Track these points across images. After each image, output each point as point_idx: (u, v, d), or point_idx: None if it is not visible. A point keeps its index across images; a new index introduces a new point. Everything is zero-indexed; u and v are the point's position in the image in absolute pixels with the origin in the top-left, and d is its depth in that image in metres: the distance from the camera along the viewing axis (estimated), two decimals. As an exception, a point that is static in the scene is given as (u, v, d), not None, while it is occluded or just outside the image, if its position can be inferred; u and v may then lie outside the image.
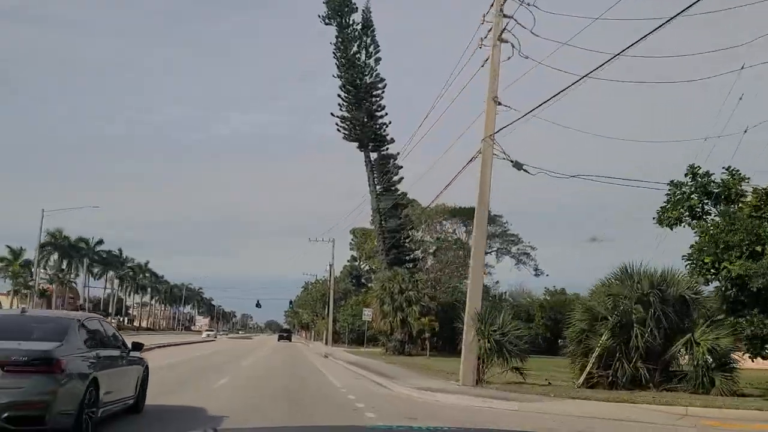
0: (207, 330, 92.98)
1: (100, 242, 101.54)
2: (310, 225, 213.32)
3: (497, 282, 54.10)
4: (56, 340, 7.64)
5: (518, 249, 54.42)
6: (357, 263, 78.13)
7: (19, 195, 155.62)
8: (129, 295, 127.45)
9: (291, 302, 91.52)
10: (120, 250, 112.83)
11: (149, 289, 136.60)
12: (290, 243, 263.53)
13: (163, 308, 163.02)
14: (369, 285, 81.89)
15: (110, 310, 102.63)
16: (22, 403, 6.79)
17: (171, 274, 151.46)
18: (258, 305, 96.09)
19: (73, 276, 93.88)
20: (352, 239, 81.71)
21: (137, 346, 10.40)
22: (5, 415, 6.66)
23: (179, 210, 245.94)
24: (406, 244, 44.86)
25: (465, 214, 51.90)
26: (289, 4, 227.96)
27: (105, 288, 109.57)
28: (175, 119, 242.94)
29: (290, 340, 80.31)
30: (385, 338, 41.12)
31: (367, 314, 38.78)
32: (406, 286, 40.12)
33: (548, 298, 64.45)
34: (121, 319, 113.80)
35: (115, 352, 9.41)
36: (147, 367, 10.95)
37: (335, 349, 50.25)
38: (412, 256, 45.35)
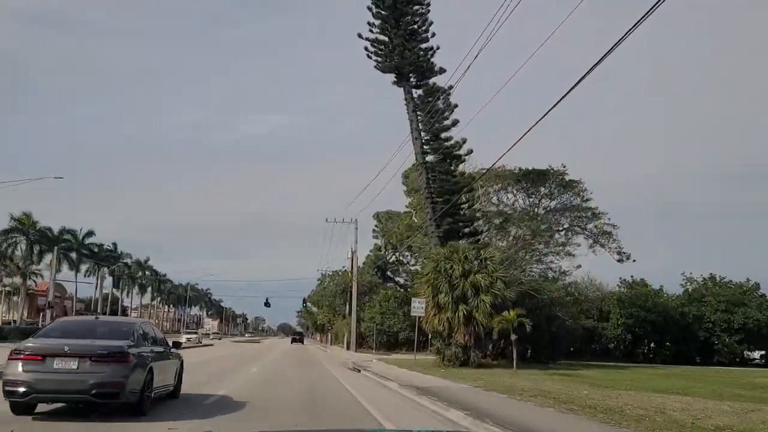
0: (188, 333, 74.16)
1: (90, 234, 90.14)
2: (324, 227, 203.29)
3: (579, 266, 41.48)
4: (125, 339, 9.98)
5: (596, 227, 41.70)
6: (383, 252, 65.78)
7: (21, 195, 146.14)
8: (127, 294, 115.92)
9: (304, 300, 79.72)
10: (114, 245, 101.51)
11: (150, 289, 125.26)
12: (304, 244, 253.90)
13: (167, 310, 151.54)
14: (396, 279, 69.56)
15: (98, 310, 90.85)
16: (104, 384, 9.16)
17: (182, 277, 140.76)
18: (267, 304, 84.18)
19: (55, 271, 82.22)
20: (375, 225, 69.55)
21: (177, 345, 13.77)
22: (93, 392, 9.13)
23: (186, 212, 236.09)
24: (464, 212, 32.43)
25: (533, 179, 39.43)
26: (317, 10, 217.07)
27: (97, 286, 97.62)
28: (180, 123, 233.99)
29: (303, 343, 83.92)
30: (441, 341, 28.73)
31: (419, 307, 26.37)
32: (471, 267, 27.79)
33: (624, 290, 51.63)
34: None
35: (162, 349, 11.57)
36: (182, 362, 12.96)
37: (364, 357, 37.90)
38: (472, 227, 32.86)
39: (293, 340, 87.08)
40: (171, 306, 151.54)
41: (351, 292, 52.11)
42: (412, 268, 69.77)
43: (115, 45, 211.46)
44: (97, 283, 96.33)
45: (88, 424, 9.26)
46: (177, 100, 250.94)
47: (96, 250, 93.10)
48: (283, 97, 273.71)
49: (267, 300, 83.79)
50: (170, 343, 12.69)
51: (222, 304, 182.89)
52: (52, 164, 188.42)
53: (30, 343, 9.64)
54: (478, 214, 33.70)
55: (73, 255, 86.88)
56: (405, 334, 51.22)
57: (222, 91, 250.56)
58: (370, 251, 68.83)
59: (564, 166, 37.92)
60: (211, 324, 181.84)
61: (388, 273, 67.89)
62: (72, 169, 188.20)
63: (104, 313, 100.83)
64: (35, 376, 9.03)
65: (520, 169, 38.36)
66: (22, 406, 9.48)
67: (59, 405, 10.15)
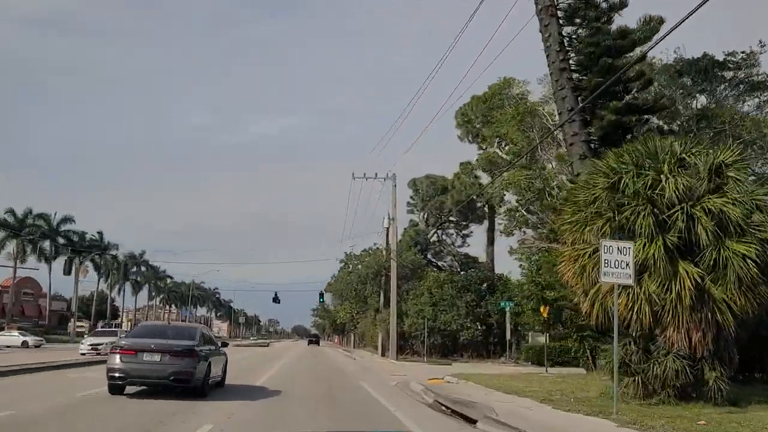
0: (92, 340, 31.73)
1: (68, 220, 75.51)
2: (337, 230, 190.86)
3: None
4: (192, 339, 13.67)
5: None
6: (424, 227, 50.51)
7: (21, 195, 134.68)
8: (119, 292, 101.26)
9: (321, 294, 64.92)
10: (100, 233, 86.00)
11: (147, 286, 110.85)
12: (317, 243, 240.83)
13: (168, 310, 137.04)
14: (441, 263, 54.30)
15: (74, 309, 76.29)
16: (179, 372, 12.57)
17: (187, 276, 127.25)
18: (276, 300, 69.45)
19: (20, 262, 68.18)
20: (411, 196, 54.48)
21: (224, 344, 17.00)
22: (171, 378, 12.56)
23: (195, 214, 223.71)
24: (635, 94, 16.99)
25: (694, 77, 23.90)
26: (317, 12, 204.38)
27: (81, 280, 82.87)
28: (193, 126, 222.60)
29: (318, 345, 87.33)
30: (632, 345, 13.18)
31: (621, 263, 10.95)
32: (698, 185, 12.58)
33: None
34: (108, 323, 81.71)
35: (214, 347, 15.09)
36: (227, 358, 16.41)
37: (420, 369, 22.66)
38: (652, 123, 17.45)
39: (309, 342, 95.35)
40: (174, 306, 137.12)
41: (388, 274, 36.86)
42: (460, 249, 54.70)
43: (116, 45, 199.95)
44: (77, 278, 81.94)
45: (168, 401, 11.94)
46: (177, 101, 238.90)
47: (75, 238, 78.37)
48: (287, 98, 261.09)
49: (276, 295, 68.97)
50: (219, 343, 16.35)
51: (232, 305, 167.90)
52: (51, 164, 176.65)
53: (124, 342, 13.47)
54: (663, 101, 18.27)
55: (46, 244, 72.68)
56: (468, 334, 35.99)
57: (224, 92, 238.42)
58: (405, 229, 53.72)
59: (763, 44, 22.37)
60: (219, 326, 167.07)
61: (429, 255, 52.78)
62: (72, 170, 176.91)
63: (90, 313, 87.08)
64: (129, 365, 12.60)
65: (681, 59, 22.91)
66: (117, 388, 13.00)
67: (141, 387, 13.31)
